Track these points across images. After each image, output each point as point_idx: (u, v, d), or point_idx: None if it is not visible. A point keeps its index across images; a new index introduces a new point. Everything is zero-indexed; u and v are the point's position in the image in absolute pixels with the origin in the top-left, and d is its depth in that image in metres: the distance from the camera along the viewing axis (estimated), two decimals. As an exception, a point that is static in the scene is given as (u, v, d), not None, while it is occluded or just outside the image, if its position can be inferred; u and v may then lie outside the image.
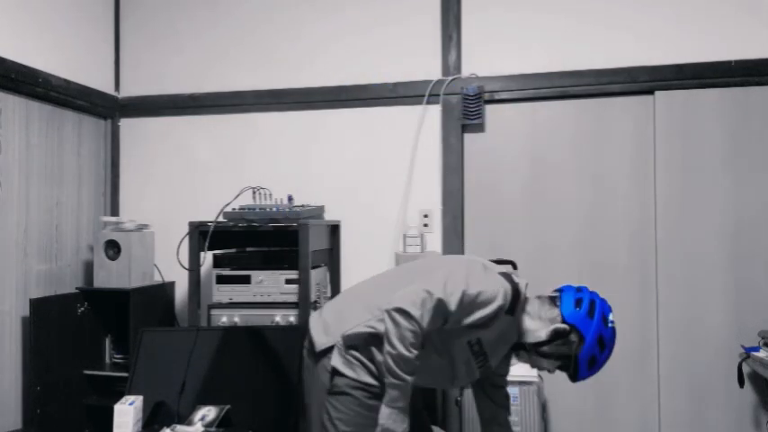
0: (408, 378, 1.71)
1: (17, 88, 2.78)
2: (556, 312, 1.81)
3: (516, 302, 1.80)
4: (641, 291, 2.94)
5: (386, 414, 1.73)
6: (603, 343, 1.79)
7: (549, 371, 1.87)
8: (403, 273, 1.97)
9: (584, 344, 1.77)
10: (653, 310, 2.91)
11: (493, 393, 2.05)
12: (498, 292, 1.77)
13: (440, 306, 1.71)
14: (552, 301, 1.85)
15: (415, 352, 1.70)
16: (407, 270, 1.98)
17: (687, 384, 2.85)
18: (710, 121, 2.88)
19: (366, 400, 1.82)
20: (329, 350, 1.87)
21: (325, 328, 1.92)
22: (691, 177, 2.89)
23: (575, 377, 1.84)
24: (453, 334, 1.80)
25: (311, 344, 1.93)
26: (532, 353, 1.84)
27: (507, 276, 1.83)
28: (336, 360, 1.85)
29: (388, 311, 1.72)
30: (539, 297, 1.88)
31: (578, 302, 1.81)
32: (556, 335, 1.79)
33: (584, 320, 1.78)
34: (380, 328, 1.80)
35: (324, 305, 2.08)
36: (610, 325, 1.81)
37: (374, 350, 1.82)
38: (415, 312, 1.69)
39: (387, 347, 1.72)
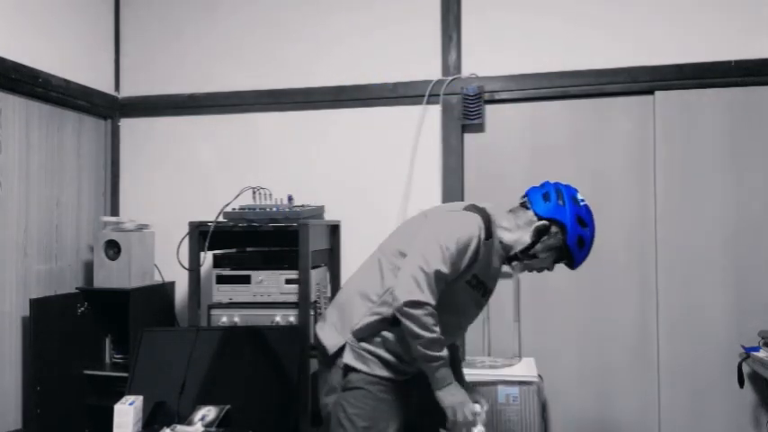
0: (444, 354, 1.78)
1: (17, 88, 2.78)
2: (530, 214, 1.91)
3: (490, 224, 1.89)
4: (641, 290, 2.93)
5: (442, 396, 1.80)
6: (583, 221, 1.89)
7: (549, 269, 1.97)
8: (384, 250, 2.01)
9: (567, 230, 1.86)
10: (653, 309, 2.91)
11: None
12: (472, 226, 1.84)
13: (437, 276, 1.77)
14: (523, 206, 1.95)
15: (438, 329, 1.76)
16: (387, 247, 2.02)
17: (687, 384, 2.85)
18: (710, 121, 2.88)
19: (381, 393, 1.86)
20: (341, 350, 1.90)
21: (333, 329, 1.95)
22: (691, 177, 2.89)
23: (572, 264, 1.93)
24: (451, 285, 1.85)
25: (323, 350, 1.96)
26: (524, 259, 1.92)
27: (472, 207, 1.92)
28: (348, 357, 1.88)
29: (398, 309, 1.76)
30: (510, 210, 1.98)
31: (545, 196, 1.91)
32: (538, 233, 1.88)
33: (557, 209, 1.88)
34: (385, 311, 1.84)
35: (326, 310, 2.11)
36: (582, 203, 1.92)
37: (386, 334, 1.86)
38: (421, 296, 1.74)
39: (414, 342, 1.76)
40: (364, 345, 1.88)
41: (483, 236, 1.84)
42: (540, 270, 1.98)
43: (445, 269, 1.77)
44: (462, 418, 1.81)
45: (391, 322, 1.83)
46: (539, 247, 1.89)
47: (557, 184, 1.95)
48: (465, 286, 1.88)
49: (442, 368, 1.79)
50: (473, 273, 1.87)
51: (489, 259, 1.90)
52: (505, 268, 2.04)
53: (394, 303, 1.78)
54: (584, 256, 1.92)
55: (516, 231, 1.92)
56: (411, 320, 1.75)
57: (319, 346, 1.99)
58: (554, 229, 1.88)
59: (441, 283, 1.78)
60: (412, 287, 1.75)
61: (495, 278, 1.99)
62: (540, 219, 1.88)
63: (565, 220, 1.87)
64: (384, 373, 1.86)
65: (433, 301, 1.75)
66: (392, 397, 1.87)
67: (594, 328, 2.97)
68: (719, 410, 2.81)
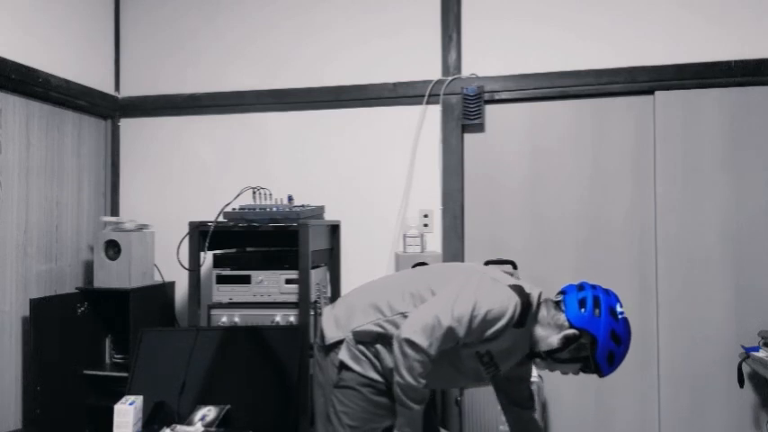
0: (416, 407, 1.74)
1: (17, 88, 2.78)
2: (563, 318, 1.79)
3: (527, 314, 1.79)
4: (641, 291, 2.93)
5: (402, 409, 1.76)
6: (618, 337, 1.77)
7: (574, 373, 1.86)
8: (416, 278, 1.98)
9: (597, 344, 1.75)
10: (653, 310, 2.91)
11: (520, 401, 2.06)
12: (507, 307, 1.75)
13: (449, 333, 1.72)
14: (557, 305, 1.83)
15: (423, 381, 1.72)
16: (420, 276, 1.99)
17: (687, 384, 2.85)
18: (710, 121, 2.88)
19: (371, 396, 1.85)
20: (338, 344, 1.90)
21: (337, 322, 1.95)
22: (691, 177, 2.89)
23: (600, 374, 1.82)
24: (462, 347, 1.81)
25: (322, 337, 1.96)
26: (548, 360, 1.83)
27: (517, 289, 1.81)
28: (344, 354, 1.88)
29: (398, 340, 1.74)
30: (544, 302, 1.86)
31: (582, 303, 1.78)
32: (567, 341, 1.77)
33: (591, 321, 1.76)
34: (389, 329, 1.83)
35: (337, 300, 2.10)
36: (620, 317, 1.78)
37: (381, 348, 1.85)
38: (423, 342, 1.70)
39: (396, 377, 1.74)
40: (361, 347, 1.87)
41: (515, 321, 1.76)
42: (563, 373, 1.88)
43: (461, 331, 1.72)
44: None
45: (390, 342, 1.81)
46: (565, 354, 1.79)
47: (596, 291, 1.81)
48: (474, 356, 1.82)
49: (408, 418, 1.75)
50: (488, 349, 1.81)
51: (514, 346, 1.82)
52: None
53: (397, 330, 1.77)
54: (613, 370, 1.81)
55: (546, 329, 1.81)
56: (402, 358, 1.72)
57: (320, 332, 1.99)
58: (584, 340, 1.76)
59: (450, 340, 1.74)
60: (420, 328, 1.72)
61: (511, 363, 1.90)
62: (571, 326, 1.77)
63: (598, 333, 1.75)
64: (376, 376, 1.85)
65: (432, 352, 1.71)
66: (383, 400, 1.85)
67: (594, 328, 2.96)
68: (719, 410, 2.81)
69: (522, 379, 2.03)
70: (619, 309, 1.80)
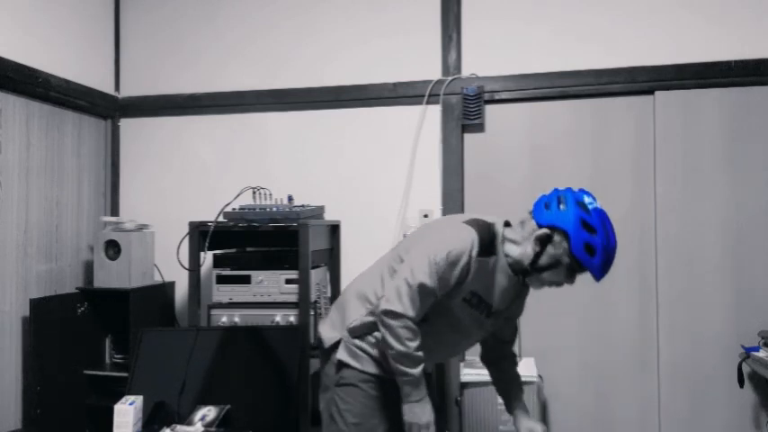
0: (414, 371, 1.75)
1: (17, 88, 2.78)
2: (532, 224, 1.79)
3: (493, 240, 1.80)
4: (641, 291, 2.93)
5: (405, 410, 1.78)
6: (590, 226, 1.71)
7: (567, 282, 1.80)
8: (388, 254, 2.01)
9: (569, 236, 1.71)
10: (653, 310, 2.91)
11: (500, 350, 2.07)
12: (465, 241, 1.76)
13: (421, 290, 1.73)
14: (529, 215, 1.83)
15: (413, 344, 1.73)
16: (392, 251, 2.02)
17: (687, 384, 2.85)
18: (710, 121, 2.88)
19: (372, 391, 1.86)
20: (336, 345, 1.92)
21: (332, 324, 1.98)
22: (691, 177, 2.89)
23: (593, 274, 1.73)
24: (446, 301, 1.81)
25: (320, 343, 1.99)
26: (534, 274, 1.80)
27: (473, 222, 1.81)
28: (342, 353, 1.90)
29: (378, 317, 1.76)
30: (520, 222, 1.85)
31: (547, 204, 1.78)
32: (540, 243, 1.75)
33: (557, 215, 1.74)
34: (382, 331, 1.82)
35: (328, 310, 2.13)
36: (590, 207, 1.75)
37: (378, 335, 1.84)
38: (399, 308, 1.71)
39: (388, 351, 1.76)
40: (358, 342, 1.89)
41: (475, 252, 1.75)
42: (558, 284, 1.81)
43: (431, 283, 1.72)
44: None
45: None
46: (544, 259, 1.75)
47: (562, 190, 1.80)
48: (462, 304, 1.82)
49: (412, 385, 1.76)
50: (471, 290, 1.80)
51: (491, 277, 1.81)
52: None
53: (376, 310, 1.78)
54: (602, 263, 1.71)
55: (521, 244, 1.80)
56: (386, 330, 1.73)
57: (318, 341, 2.02)
58: (557, 237, 1.73)
59: (427, 296, 1.74)
60: (393, 297, 1.72)
61: (508, 299, 1.88)
62: (540, 228, 1.76)
63: (566, 225, 1.71)
64: (375, 370, 1.87)
65: (411, 314, 1.71)
66: (383, 395, 1.87)
67: (594, 328, 2.97)
68: (719, 410, 2.81)
69: (513, 317, 2.05)
70: (588, 200, 1.77)
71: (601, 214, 1.75)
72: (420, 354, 1.75)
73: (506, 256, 1.82)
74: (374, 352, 1.88)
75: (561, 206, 1.75)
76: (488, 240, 1.79)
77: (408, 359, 1.74)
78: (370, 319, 1.86)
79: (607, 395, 2.95)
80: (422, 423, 1.77)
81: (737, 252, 2.83)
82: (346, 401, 1.87)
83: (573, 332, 2.98)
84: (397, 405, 1.84)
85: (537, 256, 1.76)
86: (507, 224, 1.89)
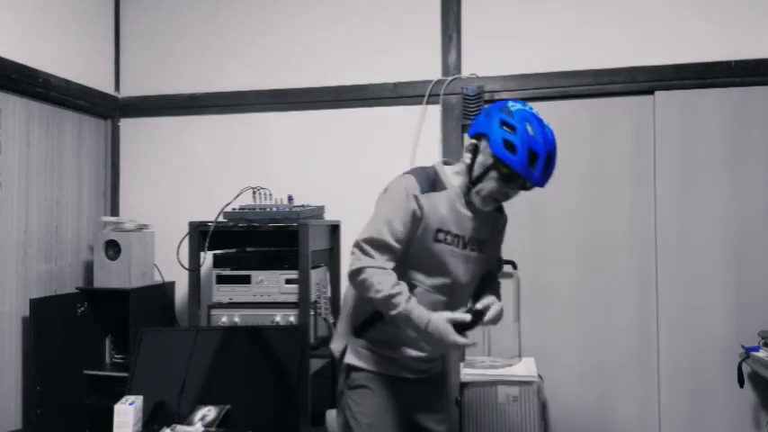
0: (398, 307, 1.73)
1: (17, 88, 2.78)
2: (467, 144, 1.87)
3: (437, 177, 1.87)
4: (641, 291, 2.93)
5: (428, 343, 1.80)
6: (509, 124, 1.74)
7: (508, 192, 1.84)
8: None
9: (489, 138, 1.76)
10: (653, 309, 2.91)
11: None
12: (400, 188, 1.83)
13: (373, 242, 1.78)
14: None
15: (384, 288, 1.73)
16: None
17: (687, 384, 2.85)
18: (710, 121, 2.88)
19: (381, 390, 1.88)
20: (344, 353, 1.95)
21: (338, 336, 2.02)
22: (691, 177, 2.89)
23: (521, 173, 1.74)
24: (421, 246, 1.84)
25: (333, 358, 2.03)
26: (473, 188, 1.84)
27: (409, 170, 1.90)
28: (350, 356, 1.92)
29: (349, 284, 1.86)
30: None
31: (476, 119, 1.86)
32: (469, 152, 1.83)
33: (480, 122, 1.81)
34: (358, 294, 1.87)
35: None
36: (512, 108, 1.77)
37: (380, 326, 1.88)
38: (356, 265, 1.78)
39: (375, 303, 1.78)
40: (362, 342, 1.91)
41: (418, 191, 1.80)
42: (500, 196, 1.83)
43: (379, 235, 1.78)
44: (446, 350, 1.82)
45: (369, 300, 1.83)
46: (476, 169, 1.80)
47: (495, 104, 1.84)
48: (437, 245, 1.84)
49: (402, 318, 1.75)
50: (437, 228, 1.83)
51: (453, 211, 1.85)
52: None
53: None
54: (525, 161, 1.72)
55: (462, 164, 1.88)
56: (358, 290, 1.81)
57: (331, 357, 2.08)
58: (482, 143, 1.79)
59: (384, 248, 1.78)
60: (351, 262, 1.81)
61: (483, 228, 1.91)
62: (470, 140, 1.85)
63: (487, 129, 1.76)
64: (383, 369, 1.89)
65: (369, 263, 1.76)
66: (393, 393, 1.89)
67: (594, 328, 2.97)
68: (719, 410, 2.81)
69: (496, 248, 2.07)
70: (512, 104, 1.79)
71: (525, 114, 1.76)
72: (395, 291, 1.74)
73: (457, 186, 1.88)
74: (379, 349, 1.90)
75: (486, 114, 1.81)
76: (429, 177, 1.86)
77: (387, 301, 1.73)
78: (356, 302, 1.92)
79: (607, 395, 2.95)
80: (449, 342, 1.74)
81: (737, 252, 2.83)
82: (358, 403, 1.89)
83: (573, 332, 2.98)
84: (409, 405, 1.90)
85: (470, 168, 1.82)
86: (447, 163, 1.97)
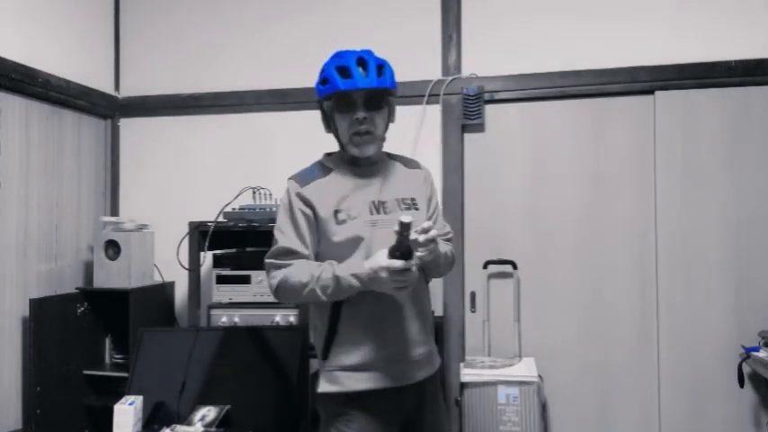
0: (329, 277, 1.70)
1: (17, 88, 2.78)
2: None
3: (314, 167, 1.94)
4: (641, 291, 2.93)
5: (374, 284, 1.68)
6: (323, 70, 1.92)
7: (364, 119, 1.83)
8: None
9: (317, 87, 1.93)
10: (653, 309, 2.91)
11: None
12: (284, 194, 1.87)
13: (279, 253, 1.79)
14: None
15: (304, 276, 1.72)
16: None
17: (687, 384, 2.85)
18: (710, 121, 2.88)
19: (363, 409, 1.75)
20: (317, 385, 1.84)
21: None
22: (691, 177, 2.89)
23: (349, 86, 1.82)
24: (331, 236, 1.78)
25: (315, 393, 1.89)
26: (341, 142, 1.90)
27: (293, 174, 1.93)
28: (322, 386, 1.81)
29: (275, 296, 1.85)
30: None
31: None
32: (323, 122, 1.97)
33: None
34: (317, 304, 1.83)
35: None
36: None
37: (317, 309, 1.85)
38: (274, 282, 1.79)
39: (310, 299, 1.76)
40: (333, 362, 1.79)
41: (298, 188, 1.83)
42: (360, 124, 1.82)
43: (281, 244, 1.80)
44: (391, 282, 1.64)
45: (324, 306, 1.80)
46: (330, 125, 1.93)
47: None
48: (342, 226, 1.77)
49: (340, 288, 1.69)
50: (333, 211, 1.79)
51: (345, 184, 1.84)
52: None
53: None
54: (337, 79, 1.84)
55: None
56: (290, 300, 1.89)
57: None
58: (323, 104, 1.92)
59: (290, 254, 1.78)
60: (268, 283, 1.83)
61: (390, 187, 1.86)
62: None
63: (316, 88, 1.94)
64: (361, 385, 1.75)
65: (282, 272, 1.76)
66: (375, 412, 1.75)
67: (594, 328, 2.97)
68: (719, 410, 2.81)
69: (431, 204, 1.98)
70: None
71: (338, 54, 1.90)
72: (318, 268, 1.72)
73: (339, 160, 1.91)
74: (351, 360, 1.76)
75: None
76: (310, 171, 1.91)
77: (320, 278, 1.69)
78: (314, 313, 1.87)
79: (607, 395, 2.95)
80: (384, 266, 1.63)
81: (737, 252, 2.83)
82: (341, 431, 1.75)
83: (573, 332, 2.98)
84: (393, 423, 1.78)
85: (330, 130, 1.93)
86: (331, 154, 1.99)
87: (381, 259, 1.64)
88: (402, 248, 1.63)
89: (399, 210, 1.82)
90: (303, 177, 1.87)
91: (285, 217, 1.83)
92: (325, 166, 1.91)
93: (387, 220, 1.78)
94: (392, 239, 1.63)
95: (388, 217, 1.80)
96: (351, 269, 1.69)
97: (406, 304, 1.81)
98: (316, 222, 1.80)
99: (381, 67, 1.87)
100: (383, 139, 1.92)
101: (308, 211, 1.80)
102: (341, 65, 1.82)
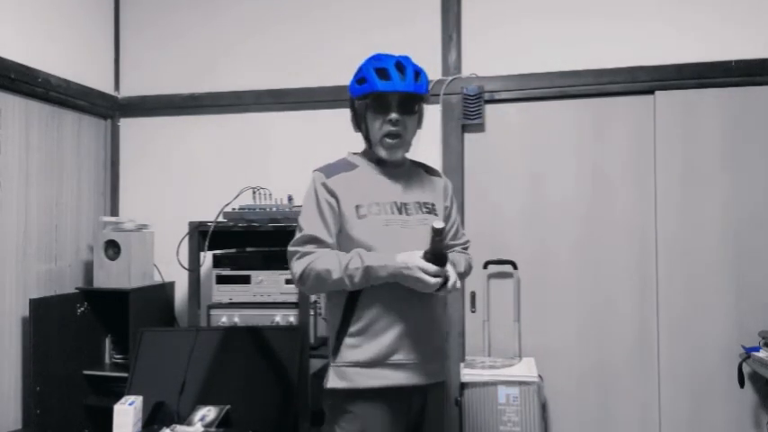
0: (359, 267, 1.71)
1: (17, 88, 2.78)
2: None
3: (342, 162, 1.96)
4: (641, 291, 2.93)
5: (405, 281, 1.71)
6: (359, 71, 1.97)
7: (396, 121, 1.86)
8: None
9: (350, 86, 1.98)
10: (653, 310, 2.91)
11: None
12: (309, 184, 1.91)
13: (303, 240, 1.82)
14: None
15: (332, 265, 1.74)
16: None
17: (687, 384, 2.85)
18: (710, 121, 2.88)
19: (370, 408, 1.76)
20: (326, 380, 1.84)
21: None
22: (691, 177, 2.89)
23: (387, 87, 1.86)
24: (351, 230, 1.81)
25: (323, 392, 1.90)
26: (371, 142, 1.92)
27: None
28: (331, 381, 1.81)
29: (300, 287, 1.88)
30: None
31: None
32: (352, 121, 2.03)
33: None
34: (332, 300, 1.87)
35: None
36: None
37: (333, 300, 1.87)
38: (298, 269, 1.81)
39: (333, 285, 1.78)
40: (344, 357, 1.79)
41: (324, 179, 1.87)
42: (392, 126, 1.85)
43: (306, 232, 1.82)
44: (427, 282, 1.68)
45: (339, 294, 1.82)
46: (360, 123, 1.96)
47: None
48: (363, 221, 1.80)
49: (368, 276, 1.71)
50: (355, 206, 1.82)
51: (368, 181, 1.88)
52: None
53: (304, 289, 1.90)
54: (376, 80, 1.87)
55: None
56: (315, 289, 1.86)
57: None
58: (356, 102, 1.95)
59: (315, 241, 1.80)
60: (291, 269, 1.84)
61: (410, 190, 1.91)
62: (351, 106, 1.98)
63: (350, 87, 1.95)
64: (369, 382, 1.75)
65: (307, 259, 1.78)
66: (382, 410, 1.76)
67: (594, 328, 2.97)
68: (719, 410, 2.81)
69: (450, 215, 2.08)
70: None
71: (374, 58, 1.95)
72: (346, 257, 1.74)
73: (365, 159, 1.94)
74: (362, 356, 1.77)
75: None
76: (336, 164, 1.94)
77: (348, 267, 1.71)
78: (331, 306, 1.88)
79: (607, 395, 2.95)
80: (418, 265, 1.67)
81: (737, 252, 2.83)
82: (346, 429, 1.76)
83: (573, 332, 2.98)
84: (402, 422, 1.79)
85: (359, 128, 1.96)
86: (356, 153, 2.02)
87: (416, 259, 1.69)
88: (436, 252, 1.68)
89: (420, 213, 1.89)
90: (329, 170, 1.92)
91: (311, 206, 1.86)
92: (350, 162, 1.95)
93: (408, 221, 1.85)
94: (409, 240, 1.74)
95: (410, 218, 1.86)
96: (381, 260, 1.72)
97: (421, 307, 1.82)
98: (339, 215, 1.84)
99: (418, 73, 1.92)
100: (410, 144, 1.95)
101: (332, 201, 1.84)
102: (380, 66, 1.87)
